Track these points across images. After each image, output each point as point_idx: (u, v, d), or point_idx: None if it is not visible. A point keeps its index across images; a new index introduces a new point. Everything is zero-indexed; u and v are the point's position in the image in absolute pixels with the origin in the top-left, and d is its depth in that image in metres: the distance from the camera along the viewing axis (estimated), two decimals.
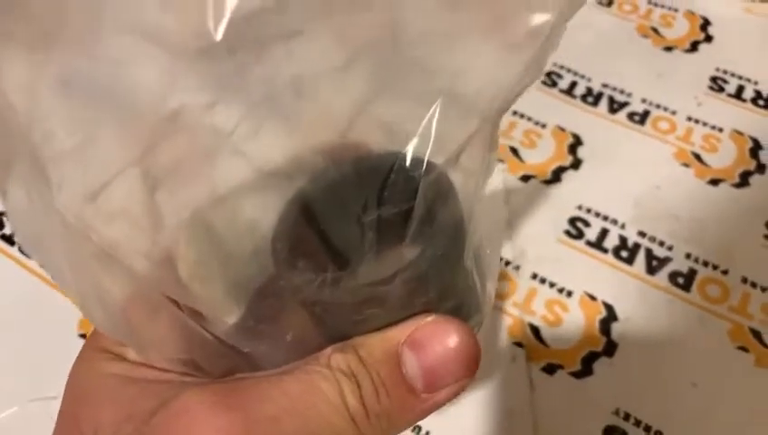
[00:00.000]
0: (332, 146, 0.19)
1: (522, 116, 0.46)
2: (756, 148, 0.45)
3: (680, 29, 0.52)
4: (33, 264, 0.39)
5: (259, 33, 0.16)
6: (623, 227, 0.41)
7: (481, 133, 0.19)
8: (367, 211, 0.18)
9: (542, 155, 0.44)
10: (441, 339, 0.20)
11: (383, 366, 0.19)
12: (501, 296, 0.38)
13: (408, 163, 0.18)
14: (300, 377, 0.19)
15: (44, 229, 0.17)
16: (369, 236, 0.18)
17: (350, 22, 0.17)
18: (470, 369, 0.20)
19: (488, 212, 0.22)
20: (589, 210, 0.41)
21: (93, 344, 0.21)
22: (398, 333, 0.20)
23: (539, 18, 0.17)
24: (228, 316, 0.20)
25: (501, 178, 0.43)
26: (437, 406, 0.20)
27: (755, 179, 0.43)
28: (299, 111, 0.17)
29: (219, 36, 0.15)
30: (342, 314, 0.20)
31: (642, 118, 0.46)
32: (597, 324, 0.37)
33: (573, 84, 0.48)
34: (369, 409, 0.19)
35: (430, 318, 0.20)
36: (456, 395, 0.20)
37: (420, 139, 0.18)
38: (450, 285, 0.21)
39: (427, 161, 0.18)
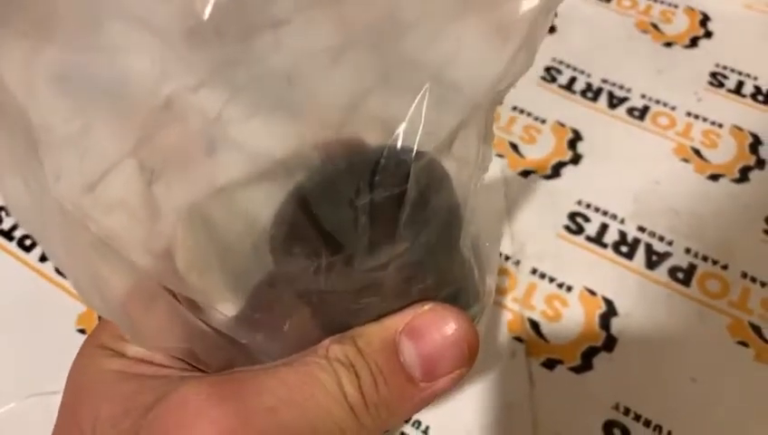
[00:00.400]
0: (328, 142, 0.19)
1: (521, 111, 0.46)
2: (756, 143, 0.45)
3: (680, 25, 0.52)
4: (32, 259, 0.39)
5: (248, 19, 0.16)
6: (623, 222, 0.41)
7: (474, 121, 0.19)
8: (359, 196, 0.18)
9: (541, 150, 0.44)
10: (439, 327, 0.19)
11: (381, 355, 0.19)
12: (501, 291, 0.38)
13: (398, 148, 0.18)
14: (298, 368, 0.19)
15: (42, 215, 0.17)
16: (361, 220, 0.18)
17: (342, 11, 0.17)
18: (469, 357, 0.20)
19: (486, 205, 0.22)
20: (588, 205, 0.41)
21: (93, 341, 0.21)
22: (396, 321, 0.20)
23: (527, 3, 0.17)
24: (226, 308, 0.20)
25: (500, 173, 0.43)
26: (436, 395, 0.20)
27: (755, 175, 0.43)
28: (291, 99, 0.17)
29: (206, 15, 0.15)
30: (339, 304, 0.20)
31: (642, 113, 0.46)
32: (597, 319, 0.37)
33: (573, 80, 0.48)
34: (367, 398, 0.19)
35: (428, 306, 0.20)
36: (454, 384, 0.20)
37: (410, 123, 0.18)
38: (446, 272, 0.21)
39: (418, 146, 0.18)
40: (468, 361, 0.20)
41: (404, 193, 0.18)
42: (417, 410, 0.20)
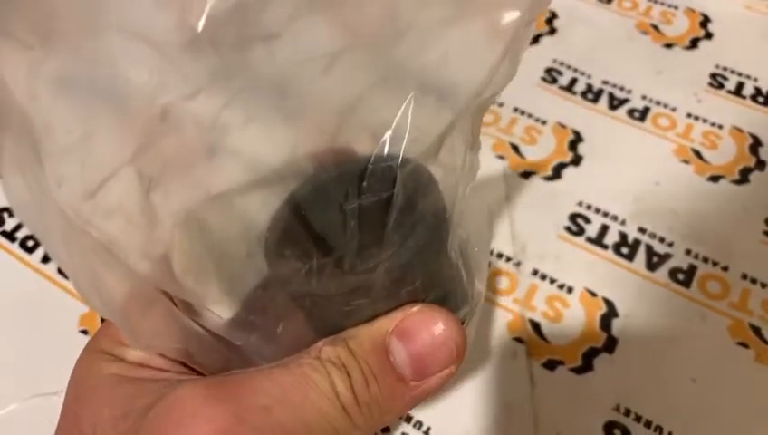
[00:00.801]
0: (321, 151, 0.19)
1: (522, 113, 0.46)
2: (756, 144, 0.45)
3: (680, 26, 0.52)
4: (34, 261, 0.39)
5: (241, 30, 0.16)
6: (623, 223, 0.41)
7: (460, 128, 0.20)
8: (348, 200, 0.19)
9: (542, 151, 0.44)
10: (428, 327, 0.20)
11: (371, 355, 0.20)
12: (501, 292, 0.38)
13: (385, 154, 0.18)
14: (292, 369, 0.19)
15: (43, 216, 0.17)
16: (350, 224, 0.19)
17: (342, 15, 0.17)
18: (457, 356, 0.20)
19: (474, 211, 0.23)
20: (589, 207, 0.41)
21: (94, 347, 0.22)
22: (386, 323, 0.20)
23: (510, 15, 0.18)
24: (221, 311, 0.21)
25: (501, 174, 0.43)
26: (427, 394, 0.21)
27: (755, 176, 0.43)
28: (286, 107, 0.18)
29: (200, 28, 0.15)
30: (331, 306, 0.20)
31: (642, 114, 0.46)
32: (597, 320, 0.37)
33: (574, 81, 0.48)
34: (359, 397, 0.19)
35: (417, 308, 0.20)
36: (444, 383, 0.21)
37: (396, 130, 0.18)
38: (435, 275, 0.21)
39: (404, 153, 0.19)
40: (457, 359, 0.20)
41: (391, 198, 0.19)
42: (409, 408, 0.21)
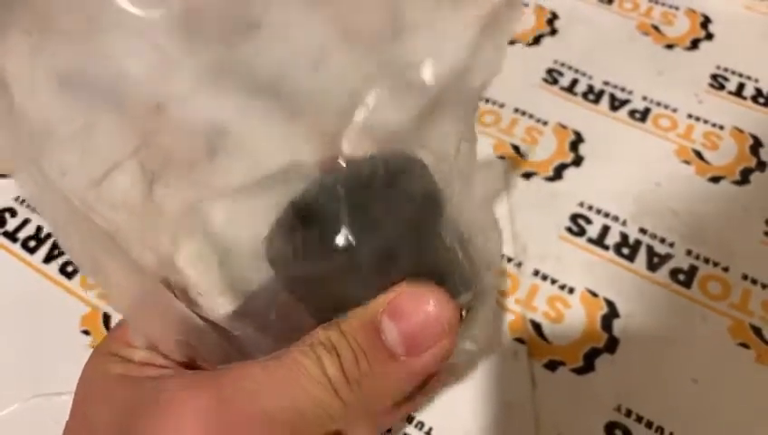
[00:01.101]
0: (324, 158, 0.19)
1: (523, 113, 0.46)
2: (757, 145, 0.45)
3: (681, 27, 0.52)
4: (35, 261, 0.39)
5: (224, 20, 0.16)
6: (624, 223, 0.41)
7: (450, 115, 0.20)
8: (338, 191, 0.19)
9: (543, 152, 0.44)
10: (418, 304, 0.20)
11: (359, 332, 0.20)
12: (503, 293, 0.38)
13: (370, 141, 0.20)
14: (284, 360, 0.20)
15: (48, 202, 0.18)
16: (342, 212, 0.19)
17: (324, 14, 0.17)
18: (449, 331, 0.20)
19: (482, 207, 0.23)
20: (590, 207, 0.42)
21: (102, 349, 0.23)
22: (378, 303, 0.20)
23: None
24: (222, 304, 0.21)
25: (502, 175, 0.43)
26: (423, 370, 0.21)
27: (756, 177, 0.43)
28: (281, 109, 0.18)
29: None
30: (324, 292, 0.21)
31: (643, 115, 0.46)
32: (598, 321, 0.37)
33: (574, 82, 0.48)
34: (349, 376, 0.20)
35: (407, 286, 0.21)
36: (438, 360, 0.21)
37: (373, 113, 0.19)
38: (425, 256, 0.22)
39: (385, 137, 0.19)
40: (449, 335, 0.20)
41: (374, 179, 0.19)
42: (404, 386, 0.21)
